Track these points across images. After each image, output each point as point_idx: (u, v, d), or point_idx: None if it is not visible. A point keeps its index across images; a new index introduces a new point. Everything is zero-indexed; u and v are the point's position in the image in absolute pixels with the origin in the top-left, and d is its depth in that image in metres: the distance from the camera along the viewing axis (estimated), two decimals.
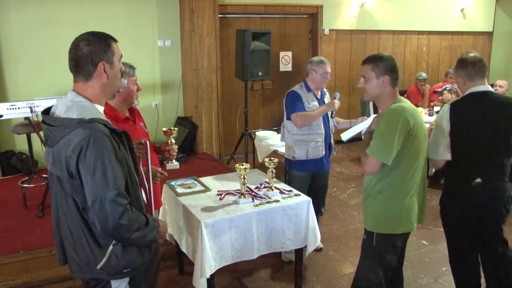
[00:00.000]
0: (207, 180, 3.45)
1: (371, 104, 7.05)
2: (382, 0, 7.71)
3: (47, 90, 5.38)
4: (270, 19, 7.01)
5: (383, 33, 7.95)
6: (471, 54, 2.74)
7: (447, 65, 8.60)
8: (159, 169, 2.65)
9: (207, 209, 2.87)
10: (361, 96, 7.26)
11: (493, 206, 2.72)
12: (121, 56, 1.88)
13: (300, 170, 3.74)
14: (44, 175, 4.41)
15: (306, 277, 3.54)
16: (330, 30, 7.40)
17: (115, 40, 1.86)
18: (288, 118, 3.67)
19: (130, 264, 1.85)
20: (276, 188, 3.16)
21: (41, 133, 4.11)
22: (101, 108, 1.85)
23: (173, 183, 3.33)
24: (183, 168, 4.02)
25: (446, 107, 2.75)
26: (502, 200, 2.72)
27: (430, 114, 6.15)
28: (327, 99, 3.86)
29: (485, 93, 2.69)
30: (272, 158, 3.10)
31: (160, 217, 3.26)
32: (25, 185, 4.32)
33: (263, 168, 3.54)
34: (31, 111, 4.06)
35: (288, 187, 3.25)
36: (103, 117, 1.79)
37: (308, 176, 3.78)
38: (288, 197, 3.08)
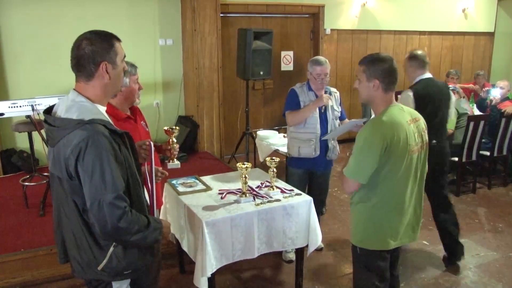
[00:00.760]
0: (208, 179, 3.45)
1: None
2: (384, 0, 7.71)
3: (48, 88, 5.37)
4: (271, 19, 7.01)
5: (384, 33, 7.95)
6: (419, 52, 3.63)
7: (448, 66, 8.60)
8: (160, 168, 2.65)
9: (208, 208, 2.87)
10: None
11: (442, 160, 3.65)
12: (125, 56, 1.85)
13: (295, 167, 3.84)
14: (45, 173, 4.41)
15: (307, 276, 3.53)
16: (331, 29, 7.40)
17: (119, 40, 1.82)
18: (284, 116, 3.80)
19: (131, 266, 1.84)
20: (277, 187, 3.16)
21: (42, 131, 4.13)
22: (102, 109, 1.82)
23: (174, 182, 3.33)
24: (184, 167, 4.02)
25: (408, 92, 3.55)
26: (448, 155, 3.74)
27: None
28: (332, 100, 3.81)
29: (431, 78, 3.62)
30: (273, 158, 3.10)
31: (161, 216, 3.26)
32: (26, 184, 4.32)
33: (264, 167, 3.55)
34: (33, 109, 4.06)
35: (289, 187, 3.25)
36: (104, 117, 1.76)
37: (303, 174, 3.81)
38: (289, 196, 3.08)
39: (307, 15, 7.31)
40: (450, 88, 5.48)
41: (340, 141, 4.06)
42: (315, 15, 7.26)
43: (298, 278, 3.29)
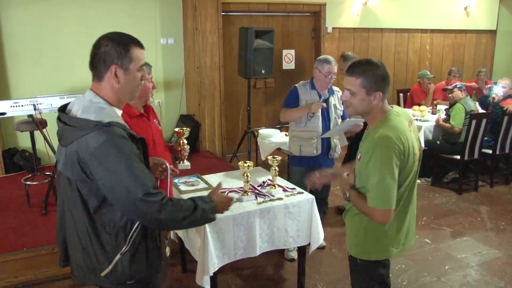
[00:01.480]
0: (210, 178, 3.45)
1: None
2: None
3: (50, 88, 5.37)
4: (273, 17, 7.00)
5: (386, 31, 7.94)
6: (351, 53, 3.92)
7: (450, 64, 8.58)
8: (171, 166, 2.64)
9: None
10: None
11: None
12: (143, 64, 1.79)
13: (296, 165, 3.87)
14: (47, 173, 4.41)
15: (309, 275, 3.53)
16: (333, 28, 7.39)
17: (140, 46, 1.77)
18: None
19: (136, 276, 1.78)
20: (279, 186, 3.16)
21: (44, 130, 4.14)
22: (119, 112, 1.78)
23: (176, 180, 3.33)
24: None
25: None
26: None
27: (433, 113, 6.15)
28: (334, 99, 3.82)
29: None
30: (275, 156, 3.10)
31: None
32: (28, 183, 4.32)
33: (266, 166, 3.55)
34: (34, 109, 4.06)
35: (291, 185, 3.25)
36: (122, 121, 1.72)
37: (304, 172, 3.79)
38: (291, 195, 3.08)
39: (308, 14, 7.30)
40: (458, 86, 5.48)
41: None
42: (317, 13, 7.25)
43: (300, 276, 3.29)
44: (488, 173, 5.73)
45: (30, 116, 4.08)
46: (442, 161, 5.60)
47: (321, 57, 3.77)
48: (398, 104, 7.36)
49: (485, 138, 5.43)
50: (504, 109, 5.48)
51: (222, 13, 6.19)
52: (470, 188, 5.53)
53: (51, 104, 4.14)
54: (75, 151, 1.63)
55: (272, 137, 5.25)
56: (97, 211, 1.69)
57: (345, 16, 7.47)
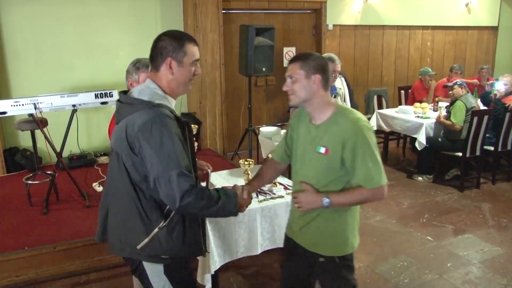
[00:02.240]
0: (211, 176, 3.44)
1: (375, 99, 7.03)
2: None
3: (50, 87, 5.37)
4: (273, 15, 6.98)
5: (387, 29, 7.91)
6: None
7: (451, 61, 8.55)
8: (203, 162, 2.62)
9: None
10: (365, 92, 7.29)
11: None
12: (197, 59, 1.93)
13: None
14: (48, 172, 4.42)
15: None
16: (334, 25, 7.36)
17: (194, 43, 1.91)
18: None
19: (171, 252, 1.87)
20: (280, 183, 3.15)
21: (45, 129, 4.13)
22: (172, 100, 1.92)
23: None
24: None
25: None
26: None
27: (435, 110, 6.13)
28: (337, 97, 3.80)
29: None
30: None
31: None
32: (30, 182, 4.33)
33: None
34: (35, 108, 4.05)
35: (292, 183, 3.24)
36: (172, 106, 1.87)
37: None
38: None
39: (309, 11, 7.27)
40: (458, 83, 5.47)
41: None
42: (317, 10, 7.23)
43: None
44: (490, 170, 5.71)
45: (31, 115, 4.08)
46: (443, 158, 5.58)
47: (324, 55, 3.71)
48: (400, 101, 7.35)
49: (487, 135, 5.42)
50: (506, 105, 5.46)
51: (223, 11, 6.19)
52: (472, 185, 5.52)
53: (52, 103, 4.14)
54: (124, 126, 1.79)
55: (273, 135, 5.23)
56: (139, 186, 1.81)
57: (346, 13, 7.45)
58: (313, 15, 7.33)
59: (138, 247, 1.83)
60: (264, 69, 5.72)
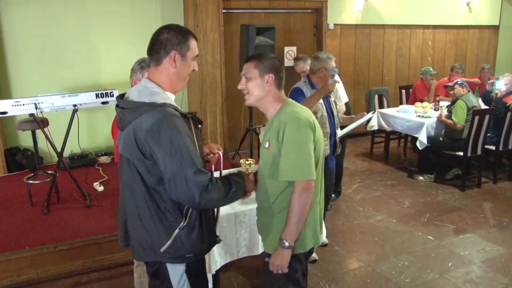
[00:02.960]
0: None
1: (376, 98, 7.02)
2: None
3: (51, 86, 5.37)
4: (274, 14, 6.98)
5: (388, 28, 7.90)
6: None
7: (452, 60, 8.55)
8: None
9: None
10: (366, 91, 7.28)
11: None
12: (197, 55, 1.92)
13: None
14: (49, 172, 4.42)
15: (311, 272, 3.52)
16: (334, 24, 7.36)
17: (195, 39, 1.91)
18: None
19: (194, 249, 1.88)
20: None
21: (46, 129, 4.14)
22: (172, 96, 1.89)
23: None
24: None
25: None
26: None
27: (436, 109, 6.12)
28: (332, 95, 3.78)
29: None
30: None
31: None
32: (30, 182, 4.33)
33: None
34: (36, 108, 4.06)
35: None
36: (173, 103, 1.84)
37: None
38: None
39: (310, 10, 7.27)
40: (459, 82, 5.46)
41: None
42: (318, 10, 7.22)
43: None
44: (491, 170, 5.71)
45: (32, 115, 4.08)
46: (444, 158, 5.58)
47: (322, 54, 3.59)
48: (400, 101, 7.35)
49: (488, 134, 5.41)
50: (508, 105, 5.45)
51: (223, 10, 6.18)
52: (473, 184, 5.51)
53: (52, 103, 4.14)
54: (132, 131, 1.76)
55: None
56: (154, 189, 1.80)
57: (346, 13, 7.44)
58: (314, 15, 7.32)
59: (162, 250, 1.84)
60: None
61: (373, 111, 5.22)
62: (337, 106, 3.79)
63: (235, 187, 1.89)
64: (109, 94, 4.32)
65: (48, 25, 5.53)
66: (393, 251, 3.94)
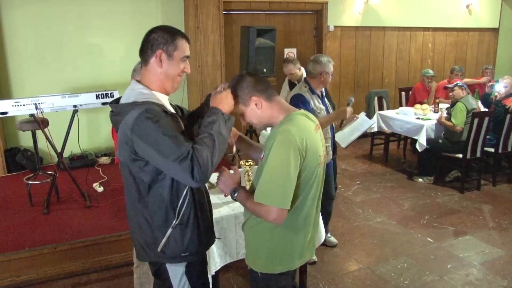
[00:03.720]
0: (212, 177, 3.43)
1: (376, 100, 7.03)
2: None
3: (51, 87, 5.38)
4: (274, 16, 6.99)
5: (388, 30, 7.92)
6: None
7: (452, 62, 8.56)
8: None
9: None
10: (366, 93, 7.29)
11: None
12: (187, 56, 1.89)
13: None
14: (49, 172, 4.42)
15: (310, 273, 3.53)
16: (335, 26, 7.37)
17: (186, 39, 1.89)
18: None
19: (189, 248, 1.90)
20: None
21: (46, 130, 4.14)
22: (163, 97, 1.88)
23: None
24: None
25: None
26: None
27: (435, 111, 6.13)
28: (327, 99, 3.79)
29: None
30: None
31: None
32: (30, 182, 4.33)
33: None
34: (36, 108, 4.06)
35: None
36: (161, 101, 1.82)
37: None
38: None
39: (310, 12, 7.28)
40: (458, 85, 5.47)
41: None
42: (319, 12, 7.24)
43: (302, 275, 3.28)
44: (490, 172, 5.71)
45: (32, 115, 4.09)
46: (444, 160, 5.59)
47: (323, 58, 3.54)
48: (400, 103, 7.36)
49: (488, 137, 5.42)
50: (507, 107, 5.46)
51: (224, 12, 6.19)
52: (473, 187, 5.52)
53: (53, 104, 4.14)
54: (121, 133, 1.77)
55: None
56: (149, 188, 1.82)
57: (347, 15, 7.46)
58: (314, 16, 7.33)
59: (158, 249, 1.88)
60: (265, 70, 5.72)
61: (366, 115, 5.21)
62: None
63: (214, 128, 1.77)
64: (109, 95, 4.33)
65: (49, 25, 5.53)
66: (393, 253, 3.95)
